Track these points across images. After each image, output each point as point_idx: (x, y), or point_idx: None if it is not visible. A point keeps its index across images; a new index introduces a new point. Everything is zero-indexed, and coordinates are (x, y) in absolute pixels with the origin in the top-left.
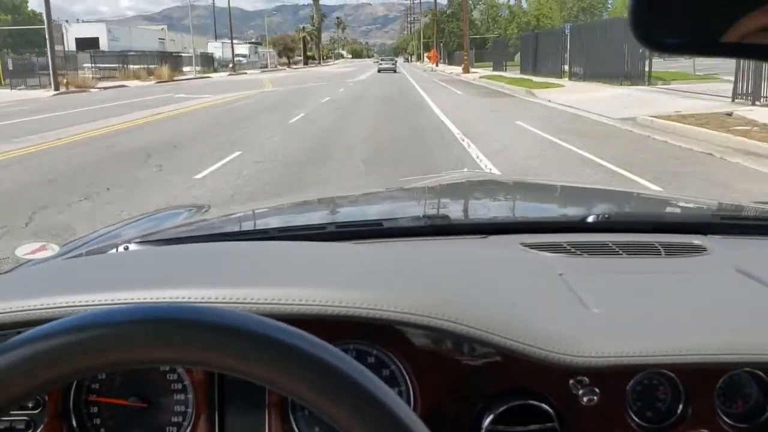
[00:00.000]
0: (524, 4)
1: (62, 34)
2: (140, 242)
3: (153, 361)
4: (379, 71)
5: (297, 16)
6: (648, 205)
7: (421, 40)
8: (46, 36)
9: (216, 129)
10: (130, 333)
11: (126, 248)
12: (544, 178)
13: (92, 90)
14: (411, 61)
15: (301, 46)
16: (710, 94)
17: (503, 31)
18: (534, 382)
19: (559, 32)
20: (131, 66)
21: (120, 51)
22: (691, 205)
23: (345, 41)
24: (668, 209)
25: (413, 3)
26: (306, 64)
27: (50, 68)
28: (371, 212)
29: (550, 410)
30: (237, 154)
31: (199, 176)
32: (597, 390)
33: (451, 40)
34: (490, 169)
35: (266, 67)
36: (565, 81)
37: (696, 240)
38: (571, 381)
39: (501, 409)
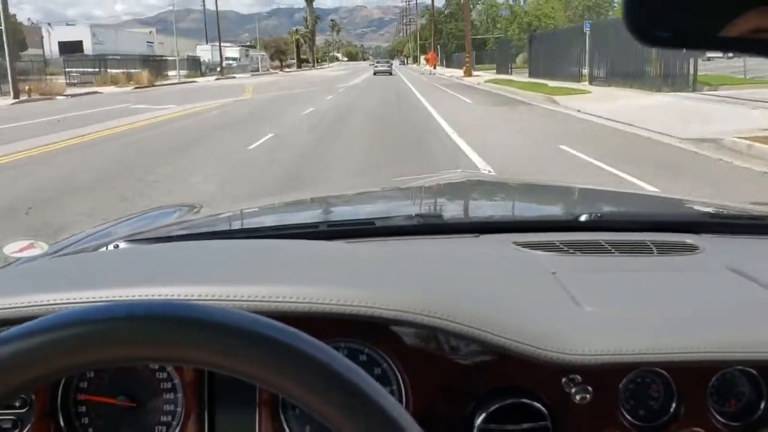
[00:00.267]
0: (522, 4)
1: (42, 38)
2: (130, 240)
3: (134, 359)
4: (374, 74)
5: (292, 19)
6: (641, 204)
7: (418, 42)
8: (4, 38)
9: (124, 170)
10: (108, 330)
11: (116, 247)
12: (538, 178)
13: (58, 98)
14: (407, 63)
15: (294, 48)
16: None
17: (504, 32)
18: (526, 381)
19: (576, 31)
20: (112, 70)
21: (97, 54)
22: (683, 205)
23: (340, 44)
24: (661, 208)
25: (409, 5)
26: (299, 67)
27: (9, 74)
28: (364, 211)
29: (543, 408)
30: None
31: None
32: (589, 388)
33: (450, 41)
34: None
35: (257, 70)
36: (585, 85)
37: (688, 239)
38: (563, 379)
39: (493, 408)
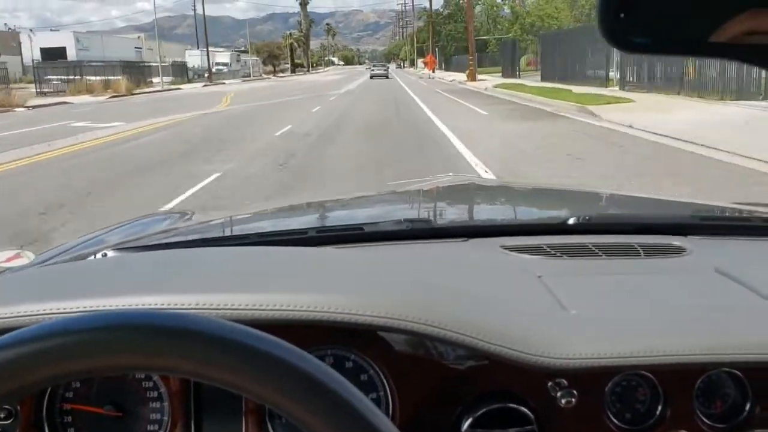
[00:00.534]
0: (523, 5)
1: (20, 44)
2: (119, 249)
3: (115, 369)
4: (371, 77)
5: (288, 24)
6: (628, 207)
7: (415, 45)
8: None
9: None
10: (87, 341)
11: (104, 255)
12: (528, 181)
13: (18, 110)
14: (403, 67)
15: (287, 53)
16: None
17: (505, 33)
18: (512, 385)
19: None
20: (93, 77)
21: (73, 61)
22: (671, 207)
23: (336, 48)
24: (648, 210)
25: (405, 8)
26: (294, 72)
27: None
28: (353, 216)
29: (529, 413)
30: None
31: None
32: (575, 392)
33: (449, 43)
34: None
35: (249, 76)
36: (616, 91)
37: (675, 241)
38: (549, 383)
39: (480, 412)
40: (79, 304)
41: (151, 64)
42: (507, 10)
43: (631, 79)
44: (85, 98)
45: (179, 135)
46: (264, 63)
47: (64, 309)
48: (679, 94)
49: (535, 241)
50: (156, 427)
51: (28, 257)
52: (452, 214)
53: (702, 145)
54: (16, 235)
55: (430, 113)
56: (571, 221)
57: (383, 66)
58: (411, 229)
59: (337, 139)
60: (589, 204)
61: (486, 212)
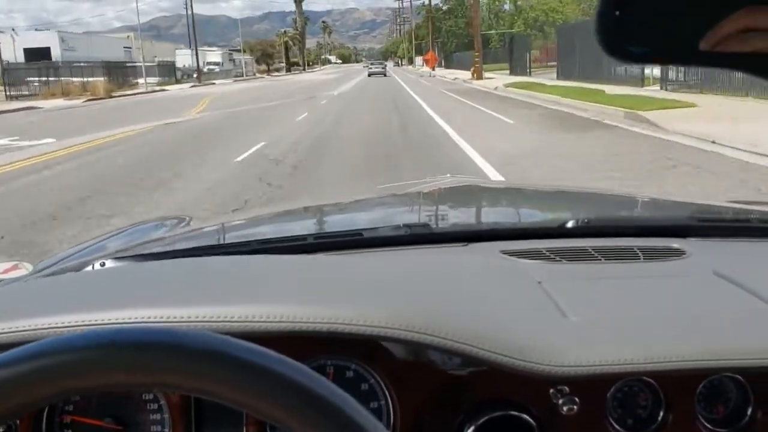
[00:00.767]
0: None
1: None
2: (117, 258)
3: (108, 387)
4: (369, 75)
5: (285, 22)
6: (628, 208)
7: (413, 42)
8: None
9: None
10: (76, 361)
11: (102, 264)
12: (528, 183)
13: None
14: (401, 65)
15: (282, 51)
16: None
17: (508, 28)
18: (514, 393)
19: None
20: (73, 79)
21: (47, 62)
22: (670, 208)
23: (332, 46)
24: (647, 212)
25: (402, 4)
26: (289, 70)
27: None
28: (352, 222)
29: (531, 420)
30: None
31: None
32: (577, 399)
33: (449, 39)
34: None
35: (242, 75)
36: (655, 91)
37: (675, 243)
38: (551, 390)
39: (482, 420)
40: (73, 319)
41: (136, 64)
42: (509, 4)
43: (675, 77)
44: (59, 102)
45: (92, 167)
46: (258, 62)
47: (59, 324)
48: (747, 95)
49: (534, 245)
50: None
51: (26, 268)
52: (451, 218)
53: None
54: None
55: (442, 122)
56: (570, 224)
57: (381, 64)
58: (410, 235)
59: (320, 170)
60: (588, 205)
61: (485, 216)
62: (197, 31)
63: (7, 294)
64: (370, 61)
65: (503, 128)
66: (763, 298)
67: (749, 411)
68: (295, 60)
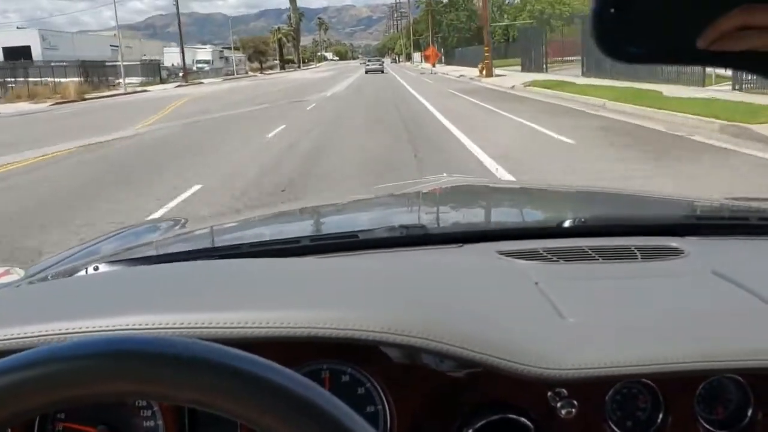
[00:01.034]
0: None
1: None
2: (110, 262)
3: (102, 396)
4: (366, 72)
5: (281, 20)
6: (625, 206)
7: (411, 38)
8: None
9: None
10: (68, 370)
11: (96, 269)
12: (524, 182)
13: None
14: (398, 61)
15: (276, 48)
16: None
17: (512, 21)
18: (512, 396)
19: None
20: (48, 79)
21: (11, 63)
22: (667, 205)
23: (329, 43)
24: (645, 211)
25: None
26: (283, 68)
27: None
28: (347, 223)
29: (529, 423)
30: None
31: None
32: (575, 402)
33: (450, 34)
34: None
35: (233, 73)
36: (727, 92)
37: (672, 242)
38: (549, 393)
39: (480, 424)
40: (63, 326)
41: (116, 63)
42: None
43: (746, 77)
44: (21, 106)
45: None
46: (250, 59)
47: (49, 331)
48: None
49: (531, 245)
50: None
51: (17, 273)
52: (447, 218)
53: None
54: None
55: (472, 145)
56: (567, 224)
57: (378, 61)
58: (406, 236)
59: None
60: (585, 204)
61: (481, 216)
62: (194, 29)
63: (0, 300)
64: (367, 58)
65: (567, 155)
66: (763, 298)
67: (749, 412)
68: (290, 57)
